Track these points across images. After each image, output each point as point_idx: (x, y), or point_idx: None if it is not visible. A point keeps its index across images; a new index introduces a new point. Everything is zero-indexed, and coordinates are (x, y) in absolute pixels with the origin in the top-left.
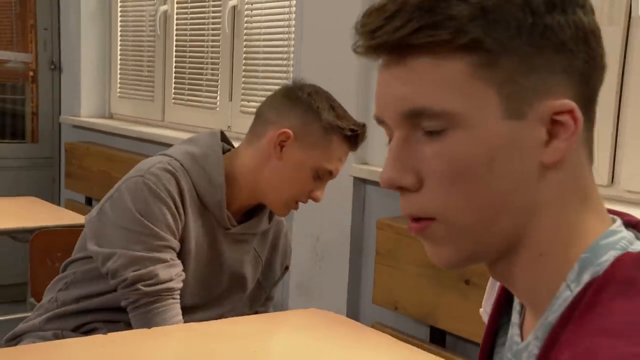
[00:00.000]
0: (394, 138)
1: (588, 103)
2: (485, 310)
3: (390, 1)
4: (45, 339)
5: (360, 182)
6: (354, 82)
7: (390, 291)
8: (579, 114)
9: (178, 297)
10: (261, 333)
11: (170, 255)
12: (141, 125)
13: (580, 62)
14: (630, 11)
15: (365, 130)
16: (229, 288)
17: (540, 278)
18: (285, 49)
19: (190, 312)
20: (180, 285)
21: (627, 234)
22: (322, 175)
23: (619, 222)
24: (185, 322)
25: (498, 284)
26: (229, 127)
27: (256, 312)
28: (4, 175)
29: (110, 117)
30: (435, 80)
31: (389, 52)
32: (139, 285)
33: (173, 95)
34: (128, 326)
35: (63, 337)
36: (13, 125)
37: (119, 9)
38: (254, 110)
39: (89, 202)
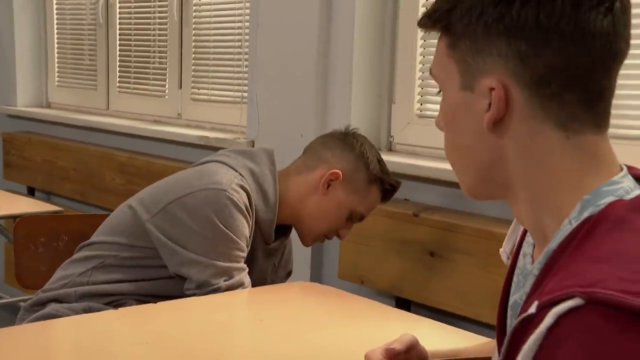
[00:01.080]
0: None
1: (536, 83)
2: (504, 250)
3: None
4: (72, 309)
5: None
6: (313, 69)
7: (356, 266)
8: (500, 91)
9: None
10: (265, 303)
11: (244, 263)
12: (83, 114)
13: (518, 47)
14: None
15: (398, 188)
16: None
17: (540, 217)
18: (239, 37)
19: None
20: None
21: (628, 185)
22: (354, 218)
23: (623, 173)
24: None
25: (520, 227)
26: (179, 114)
27: None
28: None
29: (48, 106)
30: (436, 53)
31: (422, 29)
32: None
33: (118, 84)
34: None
35: (91, 310)
36: None
37: None
38: (205, 97)
39: (32, 191)
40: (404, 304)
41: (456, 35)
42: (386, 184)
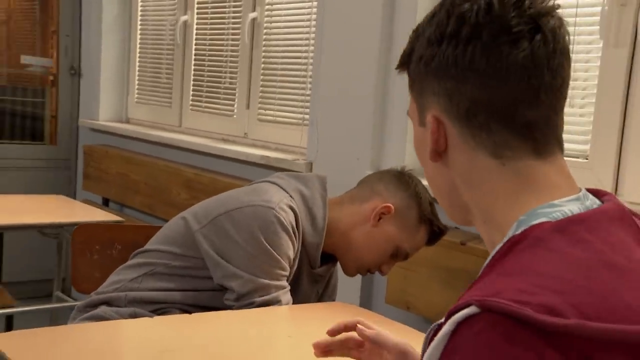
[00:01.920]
0: None
1: (465, 115)
2: None
3: None
4: (119, 313)
5: None
6: (372, 93)
7: (403, 292)
8: (434, 125)
9: None
10: (293, 320)
11: (286, 282)
12: (158, 129)
13: (445, 85)
14: (637, 33)
15: (446, 233)
16: None
17: (491, 239)
18: (304, 60)
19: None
20: None
21: (570, 208)
22: (399, 255)
23: (573, 197)
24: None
25: None
26: (245, 134)
27: None
28: (23, 175)
29: (127, 121)
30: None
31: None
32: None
33: (190, 102)
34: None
35: (137, 316)
36: (33, 128)
37: (139, 17)
38: (271, 118)
39: (106, 202)
40: None
41: (411, 77)
42: (435, 227)
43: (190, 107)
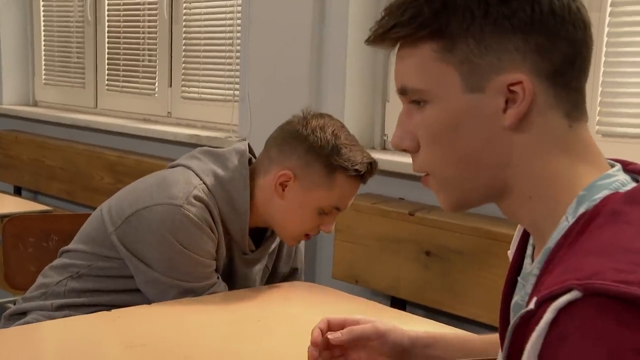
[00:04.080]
0: (402, 109)
1: (553, 73)
2: (511, 252)
3: (390, 3)
4: (52, 318)
5: None
6: (307, 67)
7: (351, 266)
8: (529, 85)
9: None
10: (262, 304)
11: (216, 276)
12: (71, 112)
13: (535, 40)
14: None
15: (374, 166)
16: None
17: (537, 214)
18: (229, 34)
19: None
20: None
21: (624, 177)
22: (329, 212)
23: (617, 167)
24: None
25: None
26: (169, 112)
27: None
28: None
29: (35, 104)
30: (411, 64)
31: (382, 44)
32: None
33: (106, 82)
34: None
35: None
36: None
37: None
38: (195, 95)
39: (18, 191)
40: (399, 304)
41: (452, 38)
42: (351, 170)
43: (107, 87)
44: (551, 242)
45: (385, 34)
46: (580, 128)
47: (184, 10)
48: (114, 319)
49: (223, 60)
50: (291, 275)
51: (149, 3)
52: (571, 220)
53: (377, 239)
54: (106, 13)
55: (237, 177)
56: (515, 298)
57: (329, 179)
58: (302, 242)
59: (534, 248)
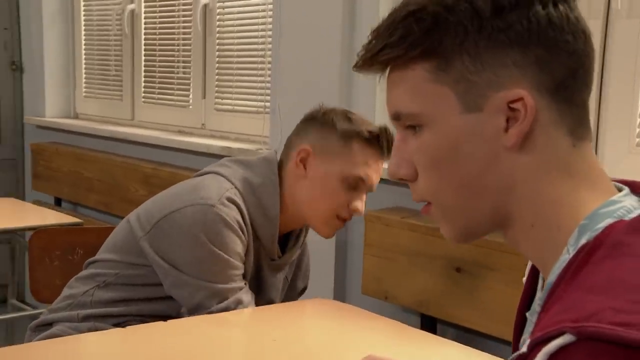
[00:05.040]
0: (396, 136)
1: (555, 87)
2: (526, 278)
3: (378, 25)
4: (79, 329)
5: None
6: (336, 78)
7: (380, 281)
8: (530, 100)
9: None
10: (278, 322)
11: (243, 281)
12: (109, 124)
13: (535, 53)
14: (610, 3)
15: (387, 132)
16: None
17: (539, 245)
18: (262, 45)
19: None
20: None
21: (630, 203)
22: (355, 184)
23: (625, 191)
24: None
25: None
26: (202, 124)
27: None
28: None
29: (76, 117)
30: (403, 87)
31: (371, 69)
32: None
33: (143, 94)
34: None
35: (97, 330)
36: None
37: (82, 8)
38: (229, 107)
39: (58, 202)
40: (429, 321)
41: (446, 56)
42: (363, 133)
43: (143, 100)
44: (552, 276)
45: (374, 57)
46: (584, 147)
47: (217, 23)
48: (128, 335)
49: (255, 72)
50: (302, 293)
51: (184, 15)
52: (572, 252)
53: (407, 254)
54: (143, 26)
55: (267, 183)
56: (524, 336)
57: (347, 147)
58: (309, 260)
59: (543, 281)
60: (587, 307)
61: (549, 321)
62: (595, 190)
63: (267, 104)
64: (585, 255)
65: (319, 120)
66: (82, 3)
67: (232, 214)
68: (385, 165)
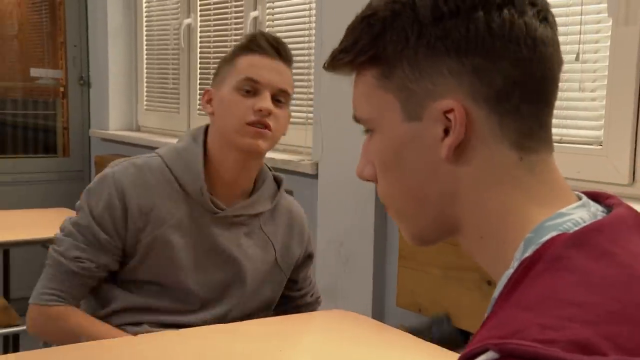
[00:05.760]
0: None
1: (496, 98)
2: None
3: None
4: None
5: None
6: None
7: (413, 293)
8: (461, 111)
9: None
10: (286, 333)
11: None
12: (168, 136)
13: (472, 62)
14: None
15: (265, 33)
16: (229, 277)
17: (489, 257)
18: (307, 57)
19: (191, 313)
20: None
21: (580, 215)
22: (248, 87)
23: (578, 203)
24: (187, 324)
25: None
26: None
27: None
28: (37, 189)
29: (138, 129)
30: (358, 91)
31: (335, 71)
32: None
33: (198, 106)
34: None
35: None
36: (45, 140)
37: (145, 23)
38: None
39: None
40: (462, 334)
41: (388, 63)
42: (240, 45)
43: (198, 112)
44: (496, 291)
45: (333, 60)
46: (535, 161)
47: None
48: (134, 345)
49: (300, 84)
50: (305, 263)
51: (235, 28)
52: (516, 265)
53: (440, 267)
54: (198, 41)
55: (190, 143)
56: None
57: (232, 64)
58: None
59: None
60: (515, 324)
61: (478, 337)
62: (545, 205)
63: (310, 115)
64: (524, 270)
65: (219, 66)
66: (145, 18)
67: (118, 174)
68: (281, 64)
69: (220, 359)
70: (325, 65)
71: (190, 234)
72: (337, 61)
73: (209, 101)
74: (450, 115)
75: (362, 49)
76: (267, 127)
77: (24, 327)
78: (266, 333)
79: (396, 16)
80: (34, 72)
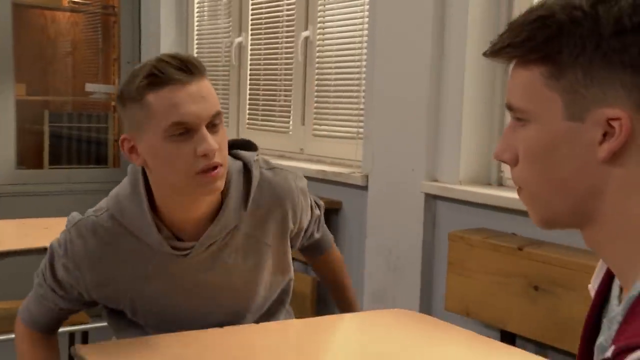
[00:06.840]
0: (508, 124)
1: None
2: (593, 287)
3: (513, 20)
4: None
5: (431, 198)
6: (425, 104)
7: (462, 298)
8: (627, 122)
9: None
10: (353, 330)
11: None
12: None
13: None
14: None
15: (164, 59)
16: (229, 304)
17: (621, 256)
18: (357, 75)
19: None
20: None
21: None
22: (183, 130)
23: None
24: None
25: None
26: (301, 149)
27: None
28: (89, 198)
29: None
30: (519, 83)
31: (496, 59)
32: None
33: (247, 121)
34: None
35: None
36: (97, 152)
37: (195, 40)
38: (325, 133)
39: None
40: (509, 338)
41: (561, 66)
42: (143, 82)
43: (247, 126)
44: (635, 290)
45: (498, 51)
46: None
47: (317, 54)
48: (188, 342)
49: (350, 100)
50: (306, 226)
51: (286, 47)
52: None
53: (488, 273)
54: (249, 58)
55: (130, 198)
56: (600, 339)
57: (143, 106)
58: (297, 199)
59: (621, 289)
60: None
61: (634, 332)
62: None
63: (361, 129)
64: None
65: (119, 105)
66: (195, 35)
67: (66, 241)
68: (197, 82)
69: (311, 352)
70: (488, 52)
71: (168, 279)
72: (504, 54)
73: (132, 150)
74: (614, 123)
75: (534, 48)
76: (217, 166)
77: (93, 325)
78: (331, 328)
79: (576, 23)
80: (89, 87)
